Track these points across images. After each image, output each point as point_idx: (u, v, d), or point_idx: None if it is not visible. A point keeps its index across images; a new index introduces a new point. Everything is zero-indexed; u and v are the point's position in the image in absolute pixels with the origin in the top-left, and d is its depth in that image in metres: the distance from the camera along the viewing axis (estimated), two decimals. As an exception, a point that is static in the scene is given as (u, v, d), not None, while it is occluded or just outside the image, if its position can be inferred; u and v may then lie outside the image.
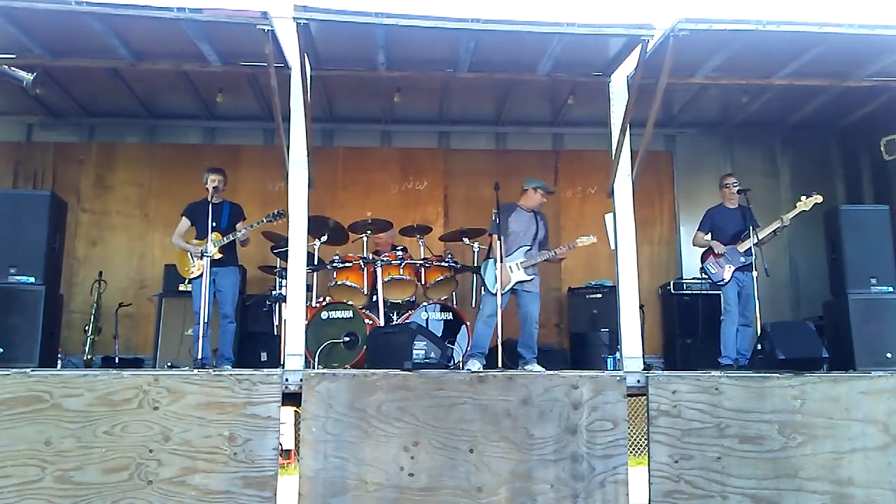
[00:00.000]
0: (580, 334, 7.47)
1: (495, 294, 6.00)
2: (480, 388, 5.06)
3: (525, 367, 6.09)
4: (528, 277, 6.28)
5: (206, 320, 5.95)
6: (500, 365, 5.67)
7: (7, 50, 5.84)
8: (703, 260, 6.66)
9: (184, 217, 6.47)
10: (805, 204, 6.40)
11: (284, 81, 5.69)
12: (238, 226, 6.45)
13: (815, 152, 8.32)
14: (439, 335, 6.05)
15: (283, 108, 5.66)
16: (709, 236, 6.60)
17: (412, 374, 5.08)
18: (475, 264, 6.82)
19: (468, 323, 6.57)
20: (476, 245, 6.79)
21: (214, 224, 6.27)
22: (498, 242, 6.11)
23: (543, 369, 5.86)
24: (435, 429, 4.98)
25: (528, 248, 6.36)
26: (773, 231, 6.43)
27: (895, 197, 7.17)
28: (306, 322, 5.84)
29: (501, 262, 6.09)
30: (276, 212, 6.19)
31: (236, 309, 6.49)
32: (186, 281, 6.42)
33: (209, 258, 6.03)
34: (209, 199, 6.29)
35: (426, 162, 8.32)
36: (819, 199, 6.42)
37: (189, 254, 6.32)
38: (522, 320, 6.35)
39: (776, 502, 5.10)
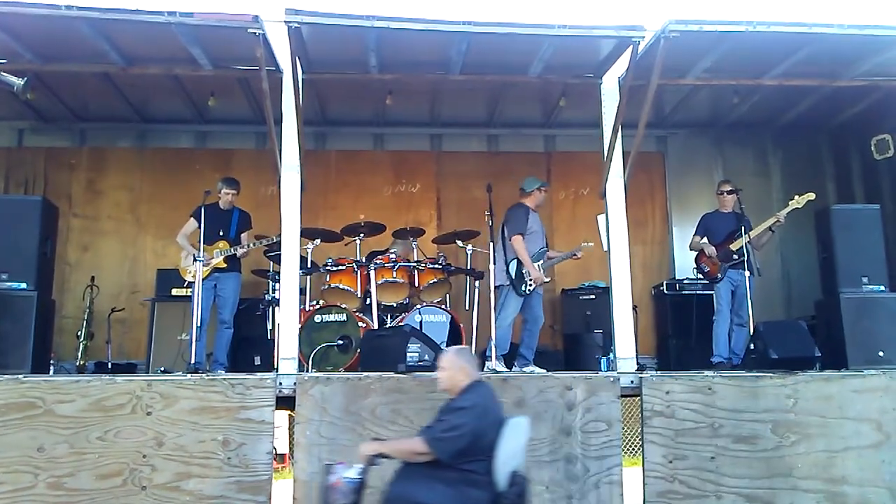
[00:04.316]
0: (574, 335, 7.49)
1: (524, 295, 6.19)
2: (474, 391, 5.05)
3: (524, 369, 6.09)
4: (548, 279, 6.47)
5: (199, 324, 5.92)
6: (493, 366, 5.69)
7: (-3, 55, 5.83)
8: (697, 260, 6.76)
9: (192, 219, 6.44)
10: (798, 202, 6.45)
11: (276, 85, 5.68)
12: (243, 237, 6.51)
13: (805, 152, 8.35)
14: (438, 337, 6.02)
15: (276, 112, 5.66)
16: (704, 240, 6.65)
17: (406, 377, 5.08)
18: (468, 266, 6.81)
19: (462, 325, 6.57)
20: (469, 247, 6.78)
21: (222, 233, 6.40)
22: (523, 243, 6.18)
23: (544, 371, 5.86)
24: (429, 431, 4.97)
25: (545, 248, 6.48)
26: (770, 228, 6.47)
27: (886, 196, 7.22)
28: (300, 325, 5.82)
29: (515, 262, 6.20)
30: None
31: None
32: (185, 284, 6.41)
33: (201, 263, 6.02)
34: (220, 206, 6.42)
35: (418, 164, 8.33)
36: (812, 196, 6.46)
37: (192, 256, 6.29)
38: (531, 322, 6.35)
39: (770, 502, 5.12)
